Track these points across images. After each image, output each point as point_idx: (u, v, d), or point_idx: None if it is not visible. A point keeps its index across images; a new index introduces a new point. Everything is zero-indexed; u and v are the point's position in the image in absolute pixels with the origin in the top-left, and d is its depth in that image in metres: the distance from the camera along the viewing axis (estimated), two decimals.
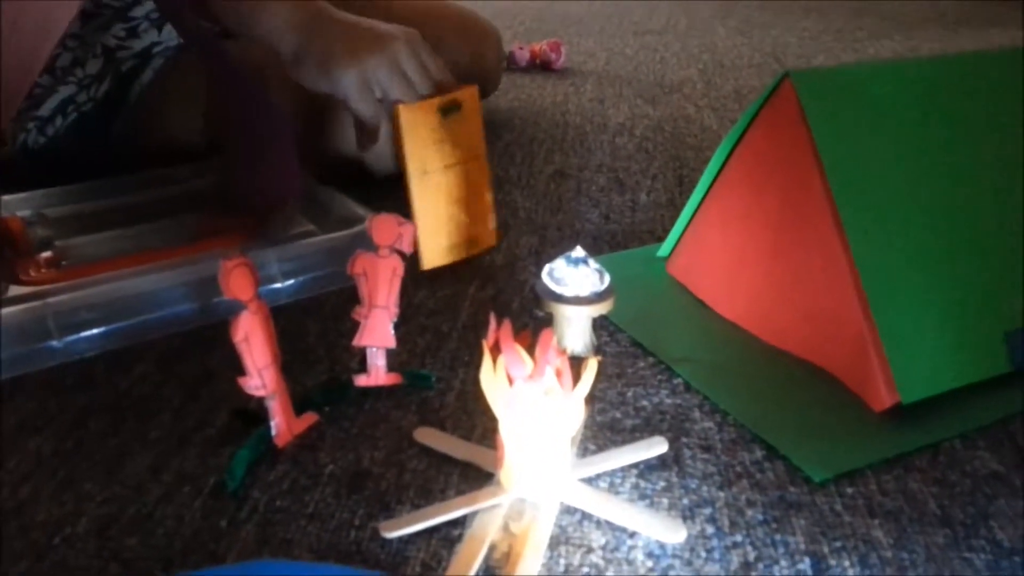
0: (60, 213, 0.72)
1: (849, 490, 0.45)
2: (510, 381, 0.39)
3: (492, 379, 0.40)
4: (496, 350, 0.40)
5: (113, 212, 0.75)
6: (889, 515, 0.43)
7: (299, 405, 0.50)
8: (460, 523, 0.42)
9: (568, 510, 0.43)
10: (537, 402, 0.39)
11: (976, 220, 0.54)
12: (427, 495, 0.44)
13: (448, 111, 0.68)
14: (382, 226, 0.50)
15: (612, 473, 0.46)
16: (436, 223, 0.69)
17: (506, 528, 0.40)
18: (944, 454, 0.47)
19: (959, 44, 1.68)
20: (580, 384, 0.40)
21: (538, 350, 0.39)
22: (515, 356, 0.39)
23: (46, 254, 0.66)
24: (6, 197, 0.74)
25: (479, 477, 0.45)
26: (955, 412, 0.50)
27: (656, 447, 0.47)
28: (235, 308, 0.44)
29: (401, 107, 0.66)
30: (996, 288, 0.53)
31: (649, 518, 0.41)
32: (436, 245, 0.69)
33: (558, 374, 0.39)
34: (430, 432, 0.49)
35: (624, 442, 0.48)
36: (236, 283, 0.44)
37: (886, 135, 0.53)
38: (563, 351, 0.41)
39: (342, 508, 0.44)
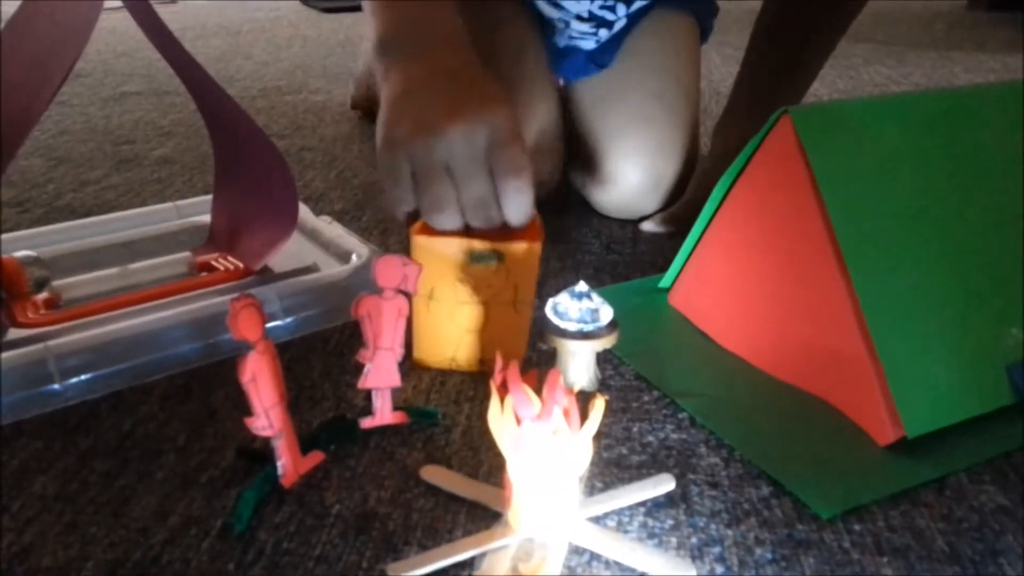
0: (54, 252, 0.72)
1: (857, 527, 0.45)
2: (518, 421, 0.39)
3: (499, 419, 0.40)
4: (503, 389, 0.40)
5: (108, 250, 0.75)
6: (897, 552, 0.43)
7: (305, 443, 0.50)
8: (468, 564, 0.42)
9: (577, 550, 0.43)
10: (545, 442, 0.39)
11: (976, 253, 0.54)
12: (434, 535, 0.44)
13: (481, 258, 0.55)
14: (386, 268, 0.50)
15: (620, 511, 0.46)
16: (436, 342, 0.59)
17: (515, 569, 0.40)
18: (950, 488, 0.47)
19: (952, 69, 1.70)
20: (588, 423, 0.40)
21: (546, 390, 0.39)
22: (523, 396, 0.39)
23: (43, 295, 0.65)
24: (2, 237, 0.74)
25: (486, 516, 0.45)
26: (960, 446, 0.50)
27: (663, 485, 0.47)
28: (238, 345, 0.44)
29: (416, 236, 0.54)
30: (997, 320, 0.53)
31: (658, 558, 0.41)
32: (435, 355, 0.59)
33: (566, 413, 0.40)
34: (437, 470, 0.49)
35: (631, 479, 0.48)
36: (245, 324, 0.44)
37: (886, 171, 0.54)
38: (570, 391, 0.41)
39: (349, 549, 0.44)
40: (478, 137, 0.51)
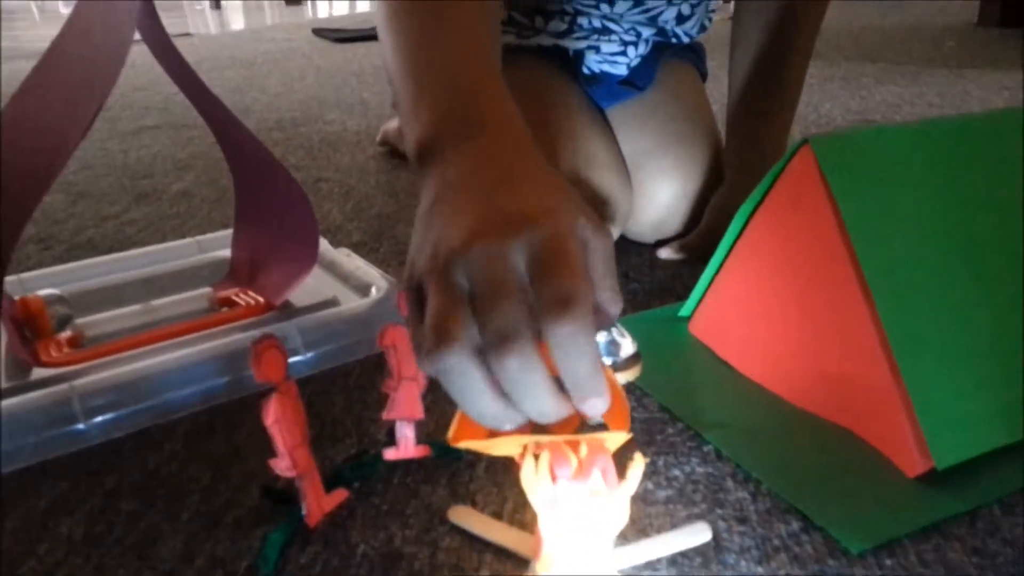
0: (76, 289, 0.72)
1: (888, 561, 0.44)
2: (553, 478, 0.37)
3: (533, 475, 0.37)
4: (538, 445, 0.38)
5: (129, 286, 0.75)
6: None
7: (328, 480, 0.50)
8: None
9: None
10: (582, 502, 0.37)
11: (1003, 280, 0.54)
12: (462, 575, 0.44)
13: None
14: None
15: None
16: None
17: None
18: (982, 520, 0.47)
19: (964, 87, 1.70)
20: (626, 483, 0.39)
21: (586, 450, 0.37)
22: (560, 453, 0.37)
23: (66, 333, 0.66)
24: (22, 276, 0.74)
25: (513, 557, 0.45)
26: (991, 476, 0.49)
27: (699, 535, 0.46)
28: (261, 382, 0.44)
29: (452, 442, 0.38)
30: None
31: None
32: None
33: (603, 472, 0.38)
34: (464, 511, 0.48)
35: (658, 516, 0.48)
36: (268, 365, 0.44)
37: (909, 198, 0.53)
38: (608, 450, 0.39)
39: None
40: (510, 257, 0.35)
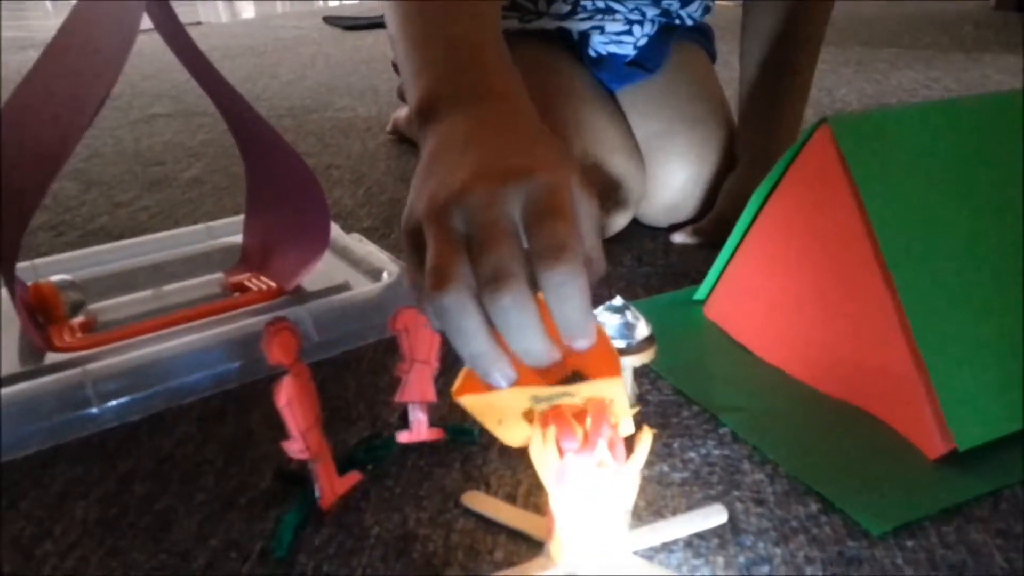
0: (88, 275, 0.72)
1: (909, 543, 0.43)
2: (560, 453, 0.37)
3: (541, 450, 0.38)
4: (546, 420, 0.38)
5: (141, 272, 0.75)
6: (953, 569, 0.41)
7: (342, 463, 0.49)
8: None
9: None
10: (589, 476, 0.37)
11: None
12: (475, 557, 0.44)
13: (547, 399, 0.38)
14: None
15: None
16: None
17: None
18: (1006, 502, 0.46)
19: (981, 71, 1.68)
20: (634, 456, 0.39)
21: (591, 421, 0.37)
22: (566, 426, 0.37)
23: (79, 319, 0.66)
24: (35, 262, 0.74)
25: (528, 540, 0.45)
26: (1013, 457, 0.49)
27: (714, 517, 0.45)
28: (273, 365, 0.44)
29: (456, 397, 0.38)
30: None
31: None
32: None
33: (611, 445, 0.38)
34: (478, 496, 0.48)
35: (674, 497, 0.47)
36: (279, 348, 0.44)
37: (928, 178, 0.52)
38: (615, 424, 0.39)
39: (389, 573, 0.43)
40: (506, 203, 0.36)
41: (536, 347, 0.35)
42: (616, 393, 0.37)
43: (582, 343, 0.35)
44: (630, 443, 0.39)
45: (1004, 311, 0.51)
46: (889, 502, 0.46)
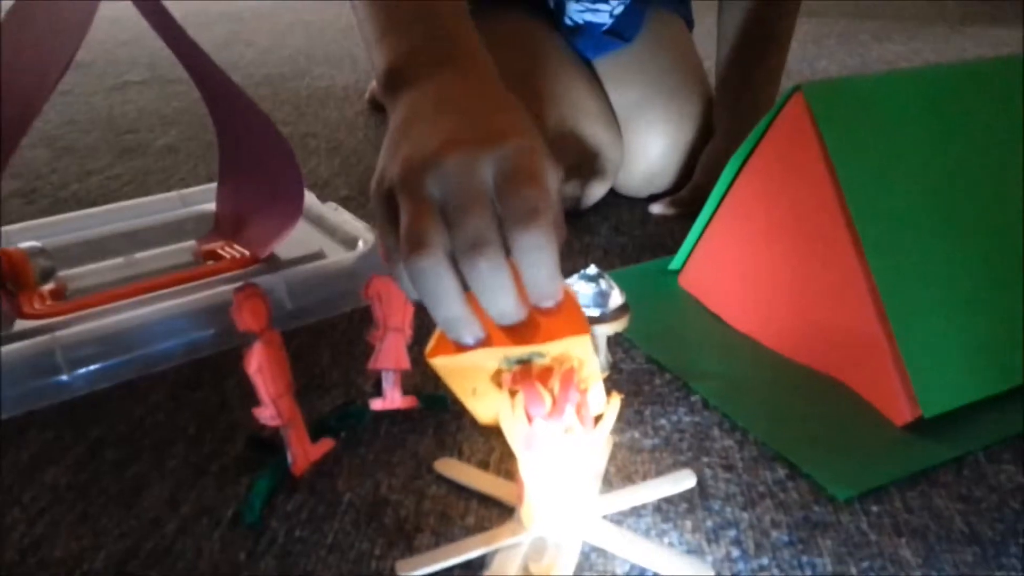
0: (59, 243, 0.71)
1: (874, 508, 0.44)
2: (528, 419, 0.38)
3: (510, 417, 0.39)
4: (515, 382, 0.39)
5: (113, 240, 0.74)
6: (916, 533, 0.42)
7: (315, 430, 0.49)
8: (479, 562, 0.41)
9: (591, 549, 0.42)
10: (557, 441, 0.38)
11: (993, 230, 0.53)
12: (447, 523, 0.44)
13: (518, 361, 0.39)
14: None
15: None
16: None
17: (526, 569, 0.39)
18: (968, 468, 0.47)
19: (963, 44, 1.68)
20: (602, 422, 0.39)
21: (559, 387, 0.38)
22: (534, 393, 0.38)
23: (49, 286, 0.65)
24: (5, 228, 0.73)
25: (500, 504, 0.45)
26: (977, 425, 0.49)
27: (683, 481, 0.46)
28: (245, 333, 0.44)
29: (430, 359, 0.40)
30: (1014, 298, 0.52)
31: (675, 558, 0.40)
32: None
33: (578, 411, 0.38)
34: (451, 463, 0.48)
35: (644, 463, 0.48)
36: (249, 314, 0.43)
37: (900, 146, 0.53)
38: (583, 389, 0.39)
39: (361, 538, 0.43)
40: (480, 169, 0.37)
41: (509, 308, 0.36)
42: (585, 352, 0.38)
43: (549, 303, 0.37)
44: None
45: (973, 281, 0.52)
46: (856, 468, 0.47)
